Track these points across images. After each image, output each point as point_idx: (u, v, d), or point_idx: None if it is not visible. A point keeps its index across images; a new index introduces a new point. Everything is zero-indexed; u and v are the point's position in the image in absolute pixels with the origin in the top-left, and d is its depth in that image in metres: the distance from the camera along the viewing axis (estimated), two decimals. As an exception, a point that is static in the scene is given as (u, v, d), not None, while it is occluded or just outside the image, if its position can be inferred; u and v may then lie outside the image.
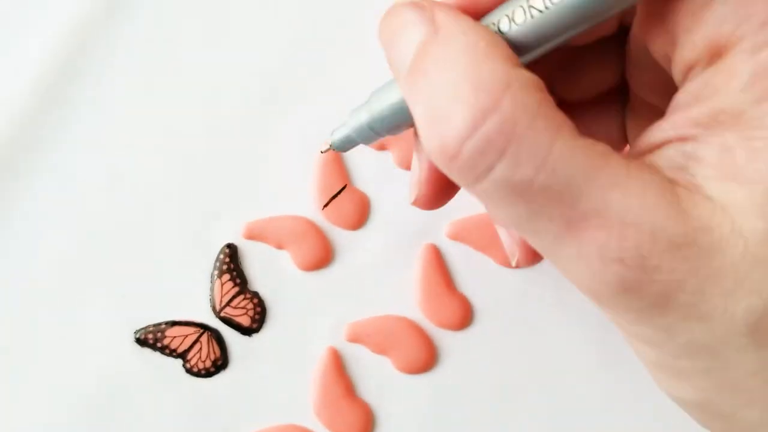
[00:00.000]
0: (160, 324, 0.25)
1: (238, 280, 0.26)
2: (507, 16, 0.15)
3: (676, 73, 0.15)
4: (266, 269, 0.26)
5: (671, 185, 0.14)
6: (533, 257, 0.20)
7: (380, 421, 0.25)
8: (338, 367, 0.25)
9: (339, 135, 0.20)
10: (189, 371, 0.25)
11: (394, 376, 0.25)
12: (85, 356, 0.25)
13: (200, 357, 0.25)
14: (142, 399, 0.25)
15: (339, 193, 0.26)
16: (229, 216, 0.26)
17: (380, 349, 0.25)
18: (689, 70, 0.14)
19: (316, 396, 0.25)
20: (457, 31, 0.15)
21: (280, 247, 0.26)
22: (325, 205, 0.26)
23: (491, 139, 0.13)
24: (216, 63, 0.27)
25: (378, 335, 0.25)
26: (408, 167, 0.27)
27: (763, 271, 0.13)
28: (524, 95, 0.14)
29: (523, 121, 0.13)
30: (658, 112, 0.16)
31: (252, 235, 0.26)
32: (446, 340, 0.26)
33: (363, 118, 0.19)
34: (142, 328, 0.25)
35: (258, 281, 0.26)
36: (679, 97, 0.14)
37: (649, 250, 0.13)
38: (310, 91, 0.27)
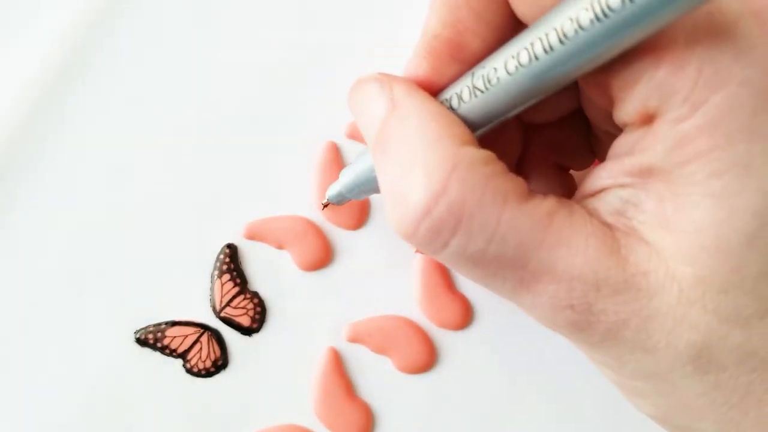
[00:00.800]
0: (160, 324, 0.25)
1: (238, 280, 0.26)
2: (456, 94, 0.17)
3: (616, 122, 0.16)
4: (266, 269, 0.26)
5: (611, 232, 0.16)
6: None
7: (380, 420, 0.25)
8: (338, 367, 0.25)
9: (332, 191, 0.22)
10: (189, 371, 0.25)
11: (394, 376, 0.25)
12: (85, 356, 0.25)
13: (200, 357, 0.25)
14: (142, 399, 0.25)
15: (339, 193, 0.26)
16: (230, 216, 0.26)
17: (380, 349, 0.25)
18: (625, 125, 0.16)
19: (316, 396, 0.25)
20: (412, 109, 0.17)
21: (280, 247, 0.26)
22: (326, 205, 0.26)
23: (443, 219, 0.15)
24: (216, 63, 0.27)
25: (378, 335, 0.25)
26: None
27: (698, 310, 0.15)
28: (471, 175, 0.15)
29: (471, 200, 0.15)
30: (613, 134, 0.18)
31: (252, 235, 0.26)
32: (446, 340, 0.26)
33: (350, 178, 0.21)
34: (143, 328, 0.25)
35: (258, 281, 0.26)
36: (617, 146, 0.16)
37: (594, 297, 0.15)
38: (311, 91, 0.27)
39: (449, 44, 0.17)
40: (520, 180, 0.16)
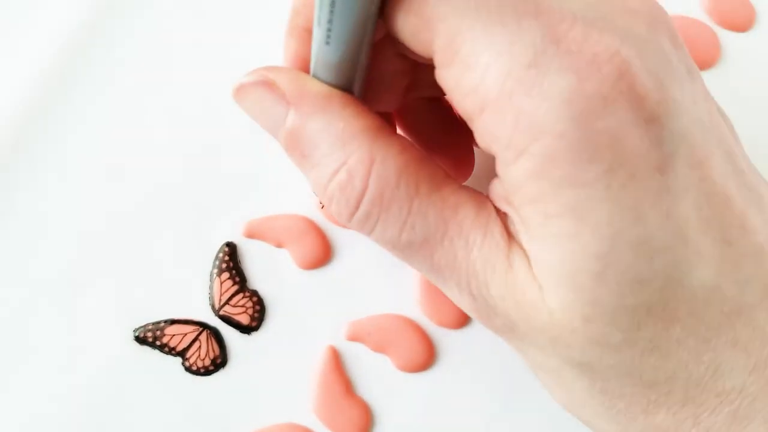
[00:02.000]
0: (159, 322, 0.25)
1: (237, 279, 0.26)
2: (315, 54, 0.17)
3: None
4: (266, 268, 0.26)
5: (508, 237, 0.17)
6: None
7: (379, 419, 0.25)
8: (337, 365, 0.25)
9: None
10: (188, 369, 0.25)
11: (393, 375, 0.25)
12: (84, 354, 0.25)
13: (199, 355, 0.25)
14: (140, 397, 0.25)
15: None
16: (229, 214, 0.26)
17: (379, 348, 0.25)
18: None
19: (315, 394, 0.25)
20: (312, 108, 0.18)
21: (279, 245, 0.26)
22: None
23: (368, 211, 0.17)
24: (216, 61, 0.27)
25: (377, 334, 0.25)
26: None
27: (569, 333, 0.16)
28: (386, 169, 0.17)
29: (387, 193, 0.17)
30: None
31: (251, 234, 0.26)
32: (445, 338, 0.26)
33: None
34: (142, 326, 0.25)
35: (257, 280, 0.26)
36: (495, 165, 0.17)
37: (486, 293, 0.17)
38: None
39: (306, 19, 0.19)
40: (434, 166, 0.18)
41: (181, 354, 0.25)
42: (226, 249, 0.26)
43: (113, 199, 0.26)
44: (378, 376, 0.25)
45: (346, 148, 0.17)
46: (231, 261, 0.26)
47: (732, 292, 0.16)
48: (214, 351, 0.25)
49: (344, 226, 0.26)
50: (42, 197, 0.26)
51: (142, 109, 0.27)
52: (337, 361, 0.25)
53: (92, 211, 0.26)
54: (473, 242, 0.17)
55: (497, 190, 0.17)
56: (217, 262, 0.26)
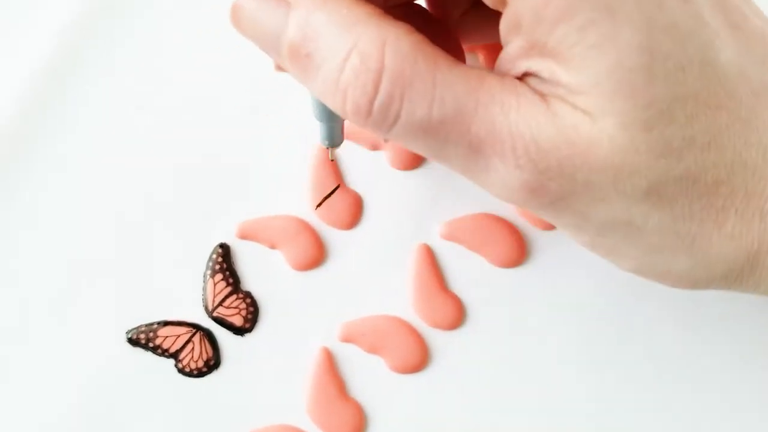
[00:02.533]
0: (152, 324, 0.25)
1: (230, 280, 0.26)
2: None
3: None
4: (259, 269, 0.26)
5: (540, 96, 0.16)
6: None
7: (373, 420, 0.25)
8: (331, 366, 0.25)
9: (324, 137, 0.23)
10: (181, 371, 0.25)
11: (386, 376, 0.25)
12: (76, 356, 0.25)
13: (192, 357, 0.25)
14: (133, 399, 0.25)
15: (332, 192, 0.26)
16: (222, 216, 0.26)
17: (373, 349, 0.25)
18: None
19: (308, 396, 0.25)
20: (312, 3, 0.16)
21: (273, 246, 0.26)
22: (319, 205, 0.26)
23: (390, 92, 0.16)
24: (210, 63, 0.27)
25: (371, 335, 0.25)
26: (402, 167, 0.27)
27: (631, 154, 0.16)
28: (400, 45, 0.16)
29: (407, 68, 0.16)
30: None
31: (245, 235, 0.26)
32: (439, 339, 0.26)
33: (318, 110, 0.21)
34: (134, 328, 0.25)
35: (251, 281, 0.26)
36: (502, 27, 0.17)
37: (535, 152, 0.16)
38: (305, 90, 0.27)
39: None
40: (442, 51, 0.17)
41: (174, 356, 0.25)
42: (220, 250, 0.26)
43: (106, 201, 0.26)
44: (371, 377, 0.25)
45: (353, 31, 0.16)
46: (224, 262, 0.26)
47: (754, 73, 0.16)
48: (207, 353, 0.25)
49: (342, 227, 0.26)
50: (35, 198, 0.26)
51: (137, 110, 0.27)
52: (330, 363, 0.25)
53: (85, 212, 0.26)
54: (509, 105, 0.16)
55: (512, 50, 0.16)
56: (211, 264, 0.26)
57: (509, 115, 0.16)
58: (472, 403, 0.25)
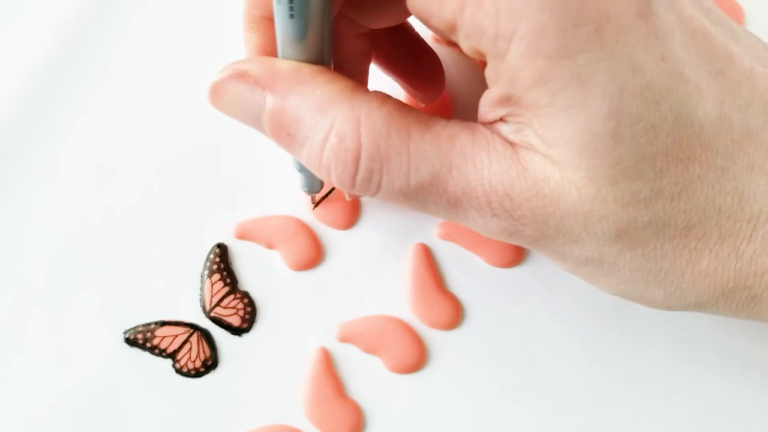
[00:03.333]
0: (149, 324, 0.25)
1: (228, 280, 0.26)
2: (282, 34, 0.18)
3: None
4: (256, 269, 0.26)
5: (512, 147, 0.17)
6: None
7: (370, 421, 0.25)
8: (328, 366, 0.25)
9: (304, 185, 0.24)
10: (179, 371, 0.25)
11: (384, 376, 0.25)
12: (74, 356, 0.25)
13: (190, 357, 0.25)
14: (131, 399, 0.25)
15: (330, 193, 0.26)
16: (220, 216, 0.26)
17: (370, 349, 0.25)
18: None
19: (306, 396, 0.25)
20: (286, 85, 0.18)
21: (270, 246, 0.26)
22: (316, 205, 0.26)
23: (369, 168, 0.17)
24: (208, 62, 0.27)
25: (368, 335, 0.25)
26: None
27: (599, 203, 0.16)
28: (373, 121, 0.17)
29: (381, 143, 0.17)
30: None
31: (242, 235, 0.26)
32: (436, 339, 0.26)
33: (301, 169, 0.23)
34: (132, 328, 0.25)
35: (248, 281, 0.26)
36: (486, 75, 0.17)
37: (510, 205, 0.17)
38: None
39: (262, 7, 0.19)
40: (417, 110, 0.18)
41: (172, 356, 0.25)
42: (217, 250, 0.26)
43: (104, 201, 0.26)
44: (369, 377, 0.25)
45: (328, 113, 0.17)
46: (222, 262, 0.26)
47: (737, 119, 0.17)
48: (204, 353, 0.25)
49: (339, 228, 0.26)
50: (31, 198, 0.26)
51: (133, 110, 0.27)
52: (328, 363, 0.25)
53: (82, 212, 0.26)
54: (481, 163, 0.17)
55: (490, 98, 0.17)
56: (208, 264, 0.26)
57: (482, 173, 0.17)
58: (470, 403, 0.25)
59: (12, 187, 0.26)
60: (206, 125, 0.27)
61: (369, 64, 0.23)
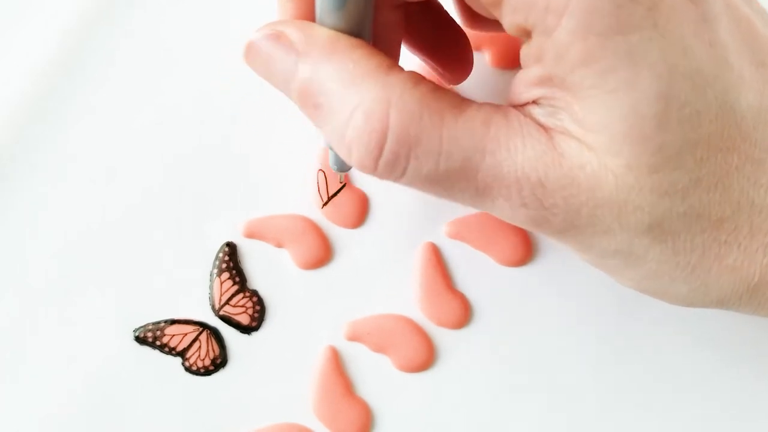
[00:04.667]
0: (159, 322, 0.25)
1: (237, 279, 0.26)
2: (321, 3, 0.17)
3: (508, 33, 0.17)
4: (265, 268, 0.26)
5: (547, 132, 0.16)
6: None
7: (379, 419, 0.25)
8: (337, 365, 0.25)
9: (332, 162, 0.23)
10: (188, 369, 0.25)
11: (393, 375, 0.25)
12: (84, 354, 0.25)
13: (199, 355, 0.25)
14: (141, 397, 0.25)
15: (338, 191, 0.26)
16: (229, 214, 0.26)
17: (379, 348, 0.25)
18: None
19: (315, 394, 0.25)
20: (320, 53, 0.17)
21: (279, 245, 0.26)
22: (325, 204, 0.26)
23: (395, 151, 0.16)
24: (215, 60, 0.27)
25: (377, 334, 0.25)
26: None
27: (636, 193, 0.16)
28: (405, 103, 0.16)
29: (412, 127, 0.16)
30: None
31: (251, 234, 0.26)
32: (445, 338, 0.26)
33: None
34: (142, 327, 0.25)
35: (257, 280, 0.26)
36: (522, 55, 0.17)
37: (542, 193, 0.16)
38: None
39: None
40: (451, 93, 0.17)
41: (181, 354, 0.25)
42: (226, 249, 0.26)
43: (113, 200, 0.26)
44: (378, 376, 0.25)
45: (359, 88, 0.16)
46: (231, 261, 0.26)
47: None
48: (214, 351, 0.25)
49: (348, 226, 0.26)
50: (41, 197, 0.26)
51: (142, 108, 0.27)
52: (337, 361, 0.25)
53: (92, 211, 0.26)
54: (515, 149, 0.16)
55: (528, 77, 0.16)
56: (217, 262, 0.26)
57: (516, 159, 0.16)
58: (479, 402, 0.25)
59: (20, 188, 0.26)
60: (215, 123, 0.27)
61: (401, 37, 0.22)
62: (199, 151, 0.27)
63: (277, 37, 0.17)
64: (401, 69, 0.17)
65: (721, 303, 0.18)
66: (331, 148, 0.22)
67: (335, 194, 0.26)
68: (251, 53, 0.18)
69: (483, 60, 0.27)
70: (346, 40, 0.17)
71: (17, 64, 0.27)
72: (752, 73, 0.17)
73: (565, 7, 0.15)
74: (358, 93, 0.16)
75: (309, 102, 0.17)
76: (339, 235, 0.26)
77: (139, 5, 0.28)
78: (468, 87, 0.27)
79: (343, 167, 0.23)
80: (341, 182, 0.26)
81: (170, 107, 0.27)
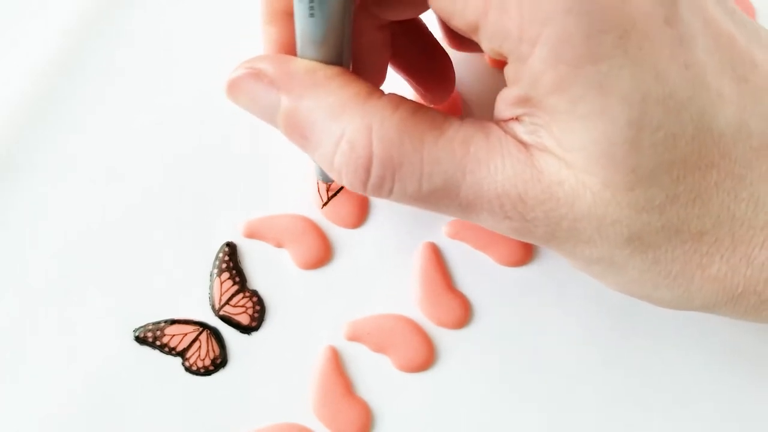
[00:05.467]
0: (159, 322, 0.26)
1: (237, 279, 0.26)
2: (301, 31, 0.17)
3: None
4: (265, 268, 0.26)
5: (527, 149, 0.17)
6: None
7: (379, 419, 0.25)
8: (337, 365, 0.25)
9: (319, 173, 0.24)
10: (188, 369, 0.25)
11: (393, 375, 0.25)
12: (84, 354, 0.25)
13: (199, 355, 0.25)
14: (141, 397, 0.25)
15: (338, 191, 0.26)
16: (229, 214, 0.26)
17: (379, 348, 0.25)
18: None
19: (315, 394, 0.25)
20: (301, 88, 0.18)
21: (279, 245, 0.26)
22: (325, 204, 0.26)
23: (381, 176, 0.17)
24: (216, 61, 0.27)
25: (377, 334, 0.25)
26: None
27: (614, 208, 0.16)
28: (386, 130, 0.17)
29: (394, 151, 0.17)
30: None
31: (251, 234, 0.26)
32: (445, 338, 0.26)
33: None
34: (142, 327, 0.25)
35: (257, 280, 0.26)
36: (506, 73, 0.17)
37: (523, 208, 0.17)
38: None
39: (282, 1, 0.19)
40: (432, 112, 0.18)
41: (181, 354, 0.25)
42: (226, 249, 0.26)
43: (113, 200, 0.26)
44: (378, 376, 0.25)
45: (340, 119, 0.17)
46: (231, 261, 0.26)
47: (756, 126, 0.17)
48: (214, 351, 0.25)
49: (348, 226, 0.26)
50: (40, 197, 0.26)
51: (142, 108, 0.27)
52: (337, 361, 0.25)
53: (92, 210, 0.26)
54: (495, 167, 0.17)
55: (509, 97, 0.17)
56: (217, 262, 0.26)
57: (496, 177, 0.17)
58: (479, 402, 0.25)
59: (20, 188, 0.26)
60: (215, 123, 0.27)
61: (388, 56, 0.22)
62: (199, 151, 0.27)
63: (256, 75, 0.18)
64: (381, 93, 0.18)
65: (707, 308, 0.18)
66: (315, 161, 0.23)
67: (335, 194, 0.26)
68: (233, 90, 0.19)
69: (483, 60, 0.27)
70: (324, 71, 0.18)
71: (17, 64, 0.27)
72: (732, 89, 0.17)
73: (538, 37, 0.15)
74: (340, 124, 0.17)
75: (295, 133, 0.18)
76: (339, 235, 0.26)
77: (139, 5, 0.28)
78: (468, 87, 0.27)
79: (327, 178, 0.24)
80: (328, 192, 0.26)
81: (170, 107, 0.27)
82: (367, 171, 0.17)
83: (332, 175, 0.18)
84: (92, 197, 0.26)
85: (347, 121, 0.17)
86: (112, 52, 0.27)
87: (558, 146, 0.16)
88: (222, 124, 0.27)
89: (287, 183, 0.27)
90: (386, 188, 0.18)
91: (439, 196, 0.18)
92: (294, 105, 0.18)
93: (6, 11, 0.28)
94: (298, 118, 0.18)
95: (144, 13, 0.28)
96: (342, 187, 0.26)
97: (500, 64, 0.27)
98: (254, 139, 0.27)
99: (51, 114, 0.27)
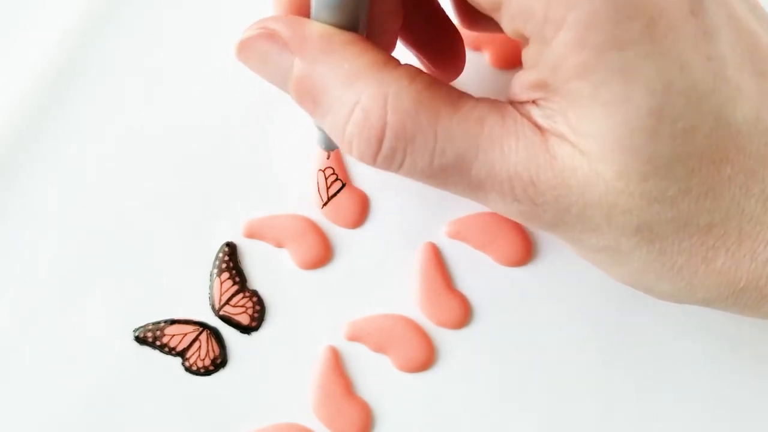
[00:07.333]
0: (159, 322, 0.25)
1: (237, 279, 0.26)
2: None
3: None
4: (265, 268, 0.26)
5: (542, 133, 0.17)
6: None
7: (379, 419, 0.25)
8: (337, 365, 0.25)
9: (321, 141, 0.23)
10: (188, 369, 0.25)
11: (393, 375, 0.25)
12: (84, 354, 0.25)
13: (199, 355, 0.25)
14: (140, 397, 0.25)
15: (338, 191, 0.26)
16: (229, 214, 0.26)
17: (379, 348, 0.25)
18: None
19: (315, 394, 0.25)
20: (316, 50, 0.17)
21: (279, 245, 0.26)
22: (325, 204, 0.26)
23: (393, 147, 0.17)
24: (216, 61, 0.27)
25: (377, 334, 0.25)
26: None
27: (626, 197, 0.16)
28: (402, 101, 0.17)
29: (409, 124, 0.17)
30: None
31: (251, 234, 0.26)
32: (445, 338, 0.26)
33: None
34: (142, 327, 0.25)
35: (257, 280, 0.26)
36: (524, 57, 0.17)
37: (533, 192, 0.17)
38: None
39: None
40: (448, 87, 0.17)
41: (181, 354, 0.25)
42: (226, 249, 0.26)
43: (112, 200, 0.26)
44: (378, 376, 0.25)
45: (355, 86, 0.17)
46: (231, 261, 0.26)
47: None
48: (214, 351, 0.25)
49: (348, 226, 0.26)
50: (40, 197, 0.26)
51: (141, 109, 0.27)
52: (337, 361, 0.25)
53: (91, 211, 0.26)
54: (509, 148, 0.17)
55: (526, 80, 0.17)
56: (217, 262, 0.26)
57: (509, 158, 0.17)
58: (479, 402, 0.25)
59: (21, 189, 0.26)
60: (215, 123, 0.27)
61: (399, 26, 0.22)
62: (200, 151, 0.27)
63: (270, 36, 0.18)
64: (398, 63, 0.17)
65: (707, 302, 0.19)
66: (319, 129, 0.22)
67: (335, 194, 0.26)
68: (244, 51, 0.18)
69: (483, 60, 0.27)
70: (340, 37, 0.17)
71: (17, 64, 0.27)
72: (751, 84, 0.17)
73: (563, 20, 0.15)
74: (355, 91, 0.17)
75: (306, 98, 0.18)
76: (339, 235, 0.26)
77: (139, 5, 0.28)
78: (468, 87, 0.27)
79: (330, 146, 0.23)
80: (328, 159, 0.26)
81: (170, 108, 0.27)
82: (380, 142, 0.17)
83: (341, 145, 0.18)
84: (92, 197, 0.26)
85: (362, 89, 0.17)
86: (112, 52, 0.27)
87: (572, 133, 0.16)
88: (222, 124, 0.27)
89: (287, 183, 0.27)
90: (397, 161, 0.17)
91: (449, 173, 0.17)
92: (308, 69, 0.17)
93: (6, 11, 0.28)
94: (311, 83, 0.17)
95: (144, 13, 0.28)
96: (342, 187, 0.26)
97: (502, 63, 0.27)
98: (254, 140, 0.27)
99: (51, 114, 0.27)
